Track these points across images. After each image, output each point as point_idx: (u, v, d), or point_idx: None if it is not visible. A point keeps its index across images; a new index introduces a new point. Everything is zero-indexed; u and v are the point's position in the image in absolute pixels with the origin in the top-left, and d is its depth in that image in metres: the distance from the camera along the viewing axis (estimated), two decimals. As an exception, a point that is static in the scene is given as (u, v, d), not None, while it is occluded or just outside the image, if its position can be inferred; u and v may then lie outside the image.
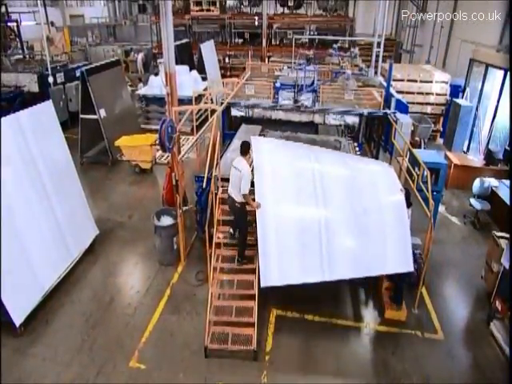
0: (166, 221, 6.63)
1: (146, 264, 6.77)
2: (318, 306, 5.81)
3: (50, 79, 12.02)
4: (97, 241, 7.16)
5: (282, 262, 4.85)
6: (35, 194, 5.81)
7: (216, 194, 5.97)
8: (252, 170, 5.29)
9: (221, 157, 6.86)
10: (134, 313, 5.70)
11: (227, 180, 6.40)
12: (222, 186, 6.33)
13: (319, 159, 5.47)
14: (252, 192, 5.19)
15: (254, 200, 5.11)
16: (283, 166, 5.37)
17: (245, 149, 5.41)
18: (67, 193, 6.50)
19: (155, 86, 12.66)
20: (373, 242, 4.93)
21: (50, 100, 6.53)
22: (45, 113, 6.25)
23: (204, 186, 5.96)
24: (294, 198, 5.11)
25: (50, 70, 12.02)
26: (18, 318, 5.25)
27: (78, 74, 11.83)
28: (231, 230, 5.98)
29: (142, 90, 13.27)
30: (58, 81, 12.60)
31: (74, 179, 6.82)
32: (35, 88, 12.27)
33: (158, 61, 17.13)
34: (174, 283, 6.28)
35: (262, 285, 4.86)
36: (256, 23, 19.25)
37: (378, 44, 11.05)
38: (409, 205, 5.33)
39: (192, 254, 6.95)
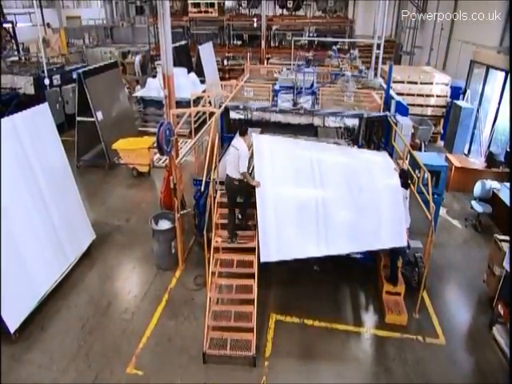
0: (164, 225, 6.66)
1: (143, 268, 6.78)
2: (318, 310, 5.83)
3: (46, 81, 12.07)
4: (94, 245, 7.18)
5: (281, 239, 5.08)
6: (31, 198, 5.84)
7: (214, 198, 6.00)
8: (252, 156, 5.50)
9: (219, 160, 6.89)
10: (131, 318, 5.71)
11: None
12: (221, 190, 6.36)
13: (316, 147, 5.88)
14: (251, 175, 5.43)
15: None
16: (282, 150, 5.70)
17: (243, 130, 5.73)
18: (64, 196, 6.53)
19: (153, 88, 12.72)
20: (368, 218, 5.18)
21: (46, 102, 6.56)
22: (41, 115, 6.28)
23: (202, 189, 6.00)
24: (292, 178, 5.38)
25: (46, 71, 12.08)
26: (12, 324, 5.25)
27: (74, 76, 11.87)
28: (228, 237, 5.99)
29: (140, 93, 13.33)
30: (55, 83, 12.65)
31: (71, 183, 6.85)
32: (31, 90, 12.32)
33: (156, 63, 17.23)
34: (171, 288, 6.29)
35: (262, 260, 5.09)
36: (255, 25, 19.39)
37: (378, 46, 11.14)
38: (407, 185, 5.58)
39: (190, 258, 6.97)
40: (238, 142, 5.71)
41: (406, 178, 5.55)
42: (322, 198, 5.26)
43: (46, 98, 11.46)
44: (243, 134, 5.72)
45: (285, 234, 5.11)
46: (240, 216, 6.07)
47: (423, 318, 5.77)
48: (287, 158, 5.62)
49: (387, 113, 7.88)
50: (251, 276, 5.50)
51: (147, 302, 6.02)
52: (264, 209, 5.14)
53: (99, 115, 10.24)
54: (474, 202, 8.08)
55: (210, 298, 5.41)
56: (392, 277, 5.81)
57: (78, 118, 10.22)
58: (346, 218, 5.22)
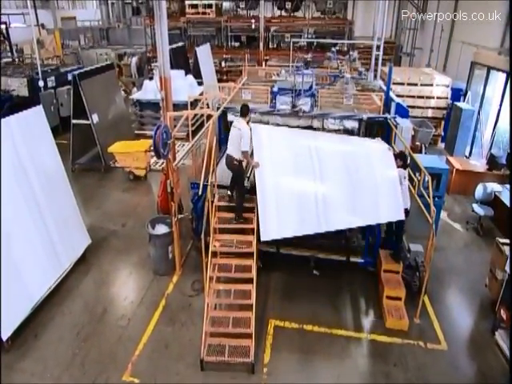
0: (161, 229, 6.68)
1: (140, 274, 6.79)
2: (318, 315, 5.85)
3: (41, 83, 12.12)
4: (89, 250, 7.19)
5: (281, 216, 5.27)
6: (25, 202, 5.85)
7: (212, 202, 6.03)
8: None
9: (217, 163, 6.93)
10: (127, 324, 5.71)
11: (224, 187, 6.48)
12: (219, 194, 6.38)
13: (315, 134, 6.34)
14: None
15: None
16: (280, 137, 6.06)
17: (244, 111, 6.01)
18: (58, 200, 6.55)
19: (150, 90, 12.79)
20: (365, 194, 5.45)
21: (41, 105, 6.59)
22: (35, 118, 6.31)
23: (200, 193, 6.03)
24: (290, 160, 5.65)
25: (40, 73, 12.13)
26: (5, 331, 5.24)
27: (69, 77, 11.92)
28: (229, 192, 6.36)
29: (136, 95, 13.39)
30: (49, 85, 12.70)
31: (66, 187, 6.87)
32: (25, 92, 12.36)
33: (153, 65, 17.33)
34: (169, 293, 6.30)
35: (263, 239, 5.29)
36: (253, 26, 19.51)
37: (378, 47, 11.25)
38: (405, 166, 5.95)
39: (188, 263, 6.98)
40: (239, 122, 5.93)
41: (404, 160, 5.94)
42: (319, 176, 5.50)
43: (41, 100, 11.51)
44: (245, 114, 5.98)
45: (284, 213, 5.29)
46: (229, 193, 6.38)
47: (424, 323, 5.80)
48: (286, 142, 5.92)
49: (387, 115, 7.93)
50: (249, 281, 5.53)
51: (144, 307, 6.02)
52: (263, 188, 5.35)
53: (95, 118, 10.28)
54: (475, 205, 8.13)
55: (208, 304, 5.43)
56: (395, 253, 6.07)
57: (74, 121, 10.26)
58: (344, 195, 5.46)
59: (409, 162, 6.16)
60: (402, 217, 5.47)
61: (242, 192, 6.16)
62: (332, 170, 5.58)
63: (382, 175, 5.59)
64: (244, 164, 6.13)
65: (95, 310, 5.97)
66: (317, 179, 5.48)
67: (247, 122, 5.98)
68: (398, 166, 5.86)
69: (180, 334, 5.55)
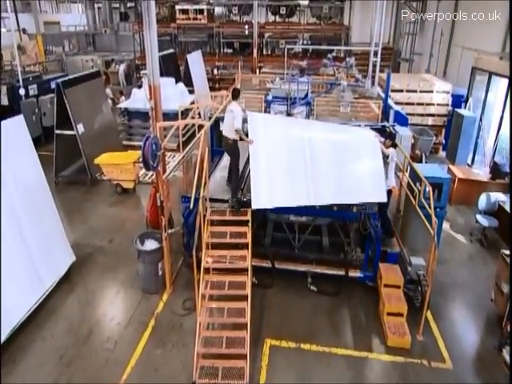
0: (150, 245, 6.72)
1: (128, 292, 6.81)
2: (316, 334, 5.89)
3: (22, 91, 12.23)
4: (73, 268, 7.20)
5: (272, 188, 5.91)
6: (4, 218, 5.85)
7: (204, 216, 6.11)
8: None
9: (209, 175, 7.04)
10: (114, 347, 5.70)
11: (216, 200, 6.58)
12: (211, 207, 6.47)
13: (307, 122, 7.16)
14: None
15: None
16: (275, 119, 6.98)
17: (235, 93, 6.68)
18: (40, 216, 6.57)
19: (138, 99, 12.96)
20: (351, 176, 6.18)
21: (21, 114, 6.64)
22: (15, 128, 6.35)
23: (191, 206, 6.12)
24: (283, 139, 6.38)
25: (21, 81, 12.24)
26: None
27: (53, 85, 12.05)
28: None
29: (124, 104, 13.55)
30: (31, 93, 12.82)
31: (48, 201, 6.90)
32: (5, 101, 12.46)
33: (142, 72, 17.58)
34: (158, 313, 6.32)
35: (253, 207, 5.87)
36: (246, 32, 19.94)
37: (375, 53, 11.57)
38: (394, 146, 6.81)
39: (179, 280, 7.01)
40: (232, 105, 6.54)
41: (393, 139, 6.94)
42: (310, 153, 6.21)
43: (22, 109, 11.61)
44: (236, 97, 6.66)
45: (276, 184, 5.96)
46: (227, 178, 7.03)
47: (428, 340, 5.85)
48: (280, 125, 6.74)
49: (385, 123, 8.15)
50: (244, 298, 5.58)
51: (132, 328, 6.03)
52: (256, 161, 6.04)
53: (80, 128, 10.38)
54: (478, 216, 8.28)
55: (200, 323, 5.46)
56: (386, 230, 6.62)
57: (57, 131, 10.34)
58: (332, 174, 6.16)
59: (397, 141, 7.16)
60: (385, 199, 6.14)
61: (238, 173, 6.76)
62: (321, 152, 6.27)
63: (368, 160, 6.31)
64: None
65: (80, 331, 5.95)
66: (307, 159, 6.15)
67: (239, 104, 6.68)
68: (388, 146, 6.71)
69: (170, 355, 5.55)
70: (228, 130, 6.53)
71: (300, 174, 6.04)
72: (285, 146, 6.31)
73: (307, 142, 6.33)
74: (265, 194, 5.85)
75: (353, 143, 6.48)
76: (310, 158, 6.18)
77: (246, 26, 20.11)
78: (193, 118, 8.57)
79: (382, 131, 7.60)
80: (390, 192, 6.85)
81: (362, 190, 6.09)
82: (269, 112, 8.73)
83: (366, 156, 6.36)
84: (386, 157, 6.64)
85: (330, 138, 6.52)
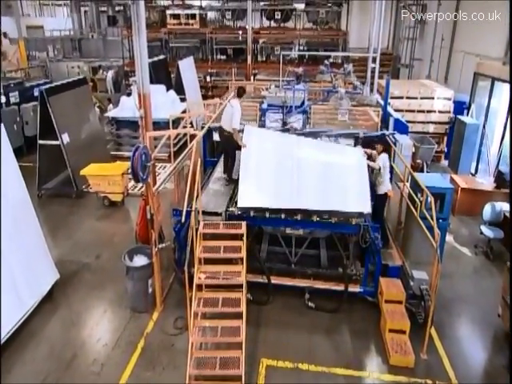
0: (140, 261, 6.75)
1: (115, 312, 6.81)
2: (314, 353, 5.92)
3: (2, 99, 12.30)
4: (57, 286, 7.20)
5: (259, 189, 6.55)
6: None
7: (197, 229, 6.17)
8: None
9: (202, 187, 7.12)
10: (100, 370, 5.68)
11: (209, 213, 6.66)
12: (204, 221, 6.54)
13: (299, 138, 7.59)
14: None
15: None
16: (268, 132, 7.79)
17: (240, 92, 7.51)
18: (21, 231, 6.55)
19: (127, 107, 13.11)
20: (335, 185, 6.66)
21: (1, 123, 6.62)
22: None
23: (183, 220, 6.18)
24: (274, 146, 7.19)
25: (1, 88, 12.31)
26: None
27: (36, 93, 12.14)
28: (224, 175, 7.86)
29: (112, 113, 13.68)
30: (12, 101, 12.88)
31: (30, 215, 6.89)
32: (-17, 109, 12.52)
33: (131, 79, 17.76)
34: (148, 333, 6.32)
35: (239, 205, 6.44)
36: (240, 38, 20.26)
37: (374, 59, 11.82)
38: (387, 151, 7.32)
39: (170, 298, 7.03)
40: (234, 101, 7.36)
41: (385, 144, 7.41)
42: (297, 163, 6.87)
43: (1, 117, 11.65)
44: (240, 95, 7.50)
45: (263, 186, 6.62)
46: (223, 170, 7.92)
47: (432, 358, 5.89)
48: (272, 138, 7.53)
49: (385, 131, 8.30)
50: (239, 316, 5.61)
51: (120, 350, 6.02)
52: (247, 164, 6.81)
53: (65, 138, 10.45)
54: (483, 227, 8.40)
55: (193, 343, 5.48)
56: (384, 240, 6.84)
57: (40, 141, 10.38)
58: (316, 183, 6.70)
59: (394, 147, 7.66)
60: (369, 210, 6.43)
61: (234, 160, 7.62)
62: (309, 162, 6.94)
63: (353, 174, 6.82)
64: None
65: (63, 355, 5.92)
66: (294, 167, 6.82)
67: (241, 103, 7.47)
68: (380, 151, 7.19)
69: (161, 378, 5.54)
70: (225, 123, 7.35)
71: (286, 180, 6.68)
72: (274, 155, 7.04)
73: (296, 152, 7.05)
74: (252, 194, 6.49)
75: (339, 158, 7.14)
76: (297, 167, 6.83)
77: (240, 32, 20.44)
78: (184, 127, 8.69)
79: (380, 139, 7.76)
80: (385, 195, 7.24)
81: (346, 200, 6.45)
82: (264, 121, 8.87)
83: (351, 170, 6.89)
84: (378, 169, 7.03)
85: (318, 151, 7.25)
